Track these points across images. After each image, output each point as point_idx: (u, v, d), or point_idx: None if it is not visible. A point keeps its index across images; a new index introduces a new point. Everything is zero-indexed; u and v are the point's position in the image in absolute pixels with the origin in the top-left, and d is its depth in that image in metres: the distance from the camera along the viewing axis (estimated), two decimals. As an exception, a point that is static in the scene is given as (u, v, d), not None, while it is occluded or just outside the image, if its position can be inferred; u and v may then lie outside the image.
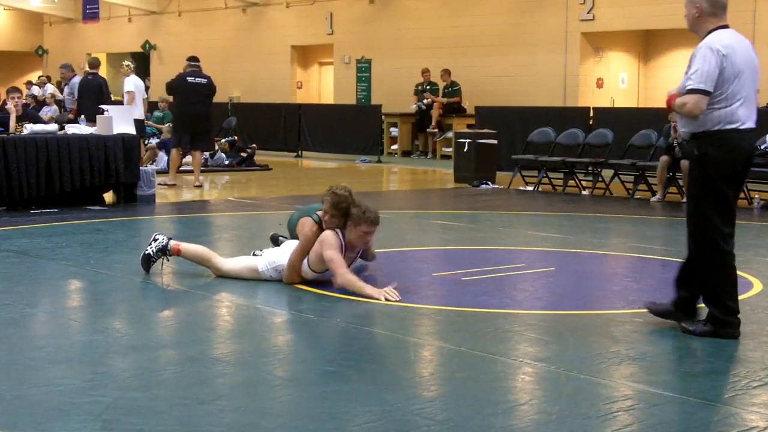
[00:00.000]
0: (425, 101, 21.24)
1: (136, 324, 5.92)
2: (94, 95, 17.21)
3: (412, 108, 21.43)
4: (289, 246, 6.92)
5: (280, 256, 6.86)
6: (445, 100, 21.06)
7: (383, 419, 4.08)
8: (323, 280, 6.71)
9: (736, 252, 5.55)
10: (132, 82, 16.45)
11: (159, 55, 29.44)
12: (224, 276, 6.98)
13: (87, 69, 17.17)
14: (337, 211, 6.64)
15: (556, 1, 20.45)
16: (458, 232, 10.23)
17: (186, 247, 7.17)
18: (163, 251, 7.15)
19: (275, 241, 7.70)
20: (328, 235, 6.65)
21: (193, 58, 14.80)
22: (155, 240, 7.21)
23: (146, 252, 7.19)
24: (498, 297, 6.64)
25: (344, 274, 6.51)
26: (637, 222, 11.08)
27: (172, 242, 7.17)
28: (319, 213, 6.81)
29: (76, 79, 16.90)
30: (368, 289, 6.45)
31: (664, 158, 12.86)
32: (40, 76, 29.61)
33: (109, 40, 31.83)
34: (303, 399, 4.37)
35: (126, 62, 16.68)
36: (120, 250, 8.67)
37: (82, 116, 15.01)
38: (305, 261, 6.73)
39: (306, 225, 6.78)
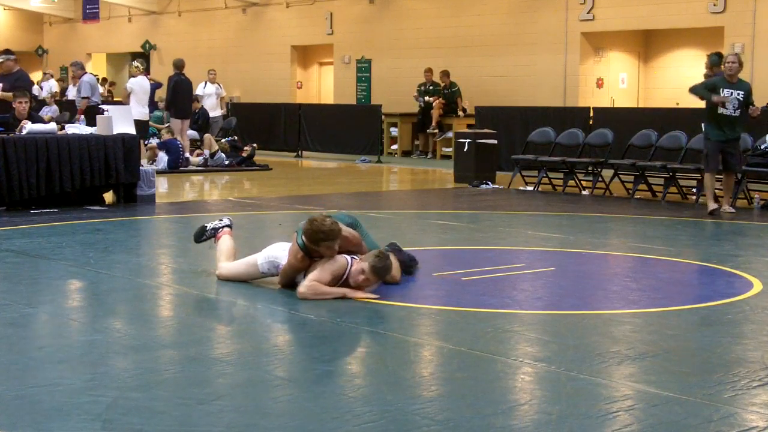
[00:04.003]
0: (427, 98, 21.26)
1: (136, 324, 5.92)
2: (187, 94, 17.87)
3: (415, 101, 21.46)
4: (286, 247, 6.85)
5: (281, 252, 6.83)
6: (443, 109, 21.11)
7: (383, 419, 4.08)
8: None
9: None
10: (128, 84, 16.69)
11: (159, 55, 29.46)
12: (224, 278, 6.97)
13: (175, 69, 17.97)
14: (315, 244, 6.44)
15: (556, 1, 20.46)
16: (458, 232, 10.23)
17: (224, 240, 7.16)
18: (213, 233, 7.26)
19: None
20: (324, 261, 6.47)
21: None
22: (222, 220, 7.35)
23: (205, 225, 7.33)
24: (498, 297, 6.64)
25: (308, 286, 6.35)
26: (637, 222, 11.08)
27: (224, 229, 7.23)
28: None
29: (86, 77, 16.95)
30: (339, 290, 6.38)
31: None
32: (44, 73, 29.58)
33: (109, 40, 31.84)
34: (303, 399, 4.37)
35: (135, 62, 17.17)
36: (120, 250, 8.67)
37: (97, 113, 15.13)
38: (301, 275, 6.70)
39: (291, 251, 6.61)
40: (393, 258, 6.83)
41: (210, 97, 20.18)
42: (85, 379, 4.60)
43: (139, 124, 16.04)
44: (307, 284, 6.39)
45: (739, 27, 18.01)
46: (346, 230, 6.70)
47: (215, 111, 20.26)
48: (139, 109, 16.34)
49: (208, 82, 20.26)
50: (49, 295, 6.81)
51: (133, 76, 16.97)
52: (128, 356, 5.08)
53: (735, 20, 18.09)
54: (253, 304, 6.41)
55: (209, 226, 7.33)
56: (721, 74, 12.36)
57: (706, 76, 14.38)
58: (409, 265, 7.27)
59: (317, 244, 6.41)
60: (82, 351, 5.17)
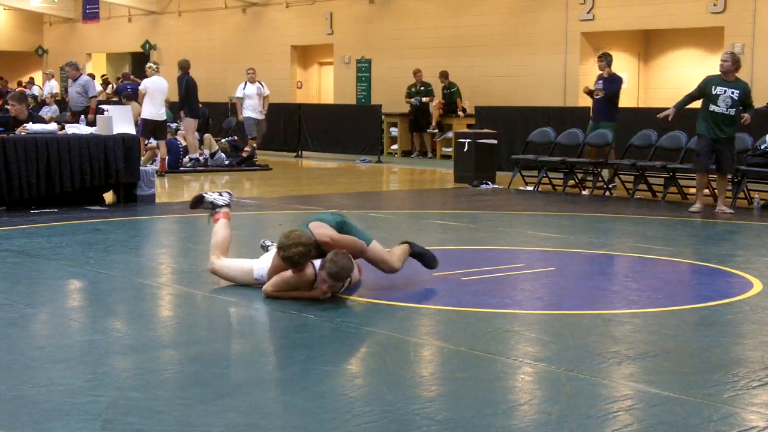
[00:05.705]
0: (423, 99, 21.26)
1: (136, 324, 5.92)
2: (196, 93, 17.78)
3: (409, 104, 21.44)
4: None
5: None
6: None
7: (383, 419, 4.08)
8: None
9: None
10: (142, 85, 16.72)
11: (159, 55, 29.43)
12: (218, 275, 6.92)
13: (182, 70, 17.81)
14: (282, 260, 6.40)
15: (556, 1, 20.45)
16: (458, 232, 10.23)
17: (221, 227, 7.01)
18: (212, 209, 7.14)
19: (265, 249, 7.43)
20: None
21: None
22: (221, 195, 7.19)
23: (206, 195, 7.19)
24: (498, 297, 6.64)
25: (268, 292, 6.39)
26: (637, 222, 11.08)
27: (223, 210, 7.11)
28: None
29: (83, 78, 16.94)
30: (294, 294, 6.35)
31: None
32: (45, 73, 29.63)
33: (109, 40, 31.83)
34: (303, 399, 4.37)
35: (149, 64, 17.23)
36: (120, 250, 8.67)
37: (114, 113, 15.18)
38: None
39: (273, 260, 6.58)
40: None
41: (251, 99, 18.75)
42: (85, 379, 4.60)
43: (151, 124, 16.11)
44: (267, 289, 6.39)
45: (739, 27, 18.00)
46: (334, 237, 6.52)
47: (257, 113, 18.78)
48: (152, 109, 16.27)
49: (247, 83, 18.80)
50: (49, 295, 6.81)
51: (148, 77, 16.91)
52: (128, 356, 5.08)
53: (735, 20, 18.09)
54: (252, 304, 6.41)
55: (208, 198, 7.19)
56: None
57: (608, 74, 14.56)
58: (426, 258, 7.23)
59: (284, 260, 6.32)
60: (82, 351, 5.17)
